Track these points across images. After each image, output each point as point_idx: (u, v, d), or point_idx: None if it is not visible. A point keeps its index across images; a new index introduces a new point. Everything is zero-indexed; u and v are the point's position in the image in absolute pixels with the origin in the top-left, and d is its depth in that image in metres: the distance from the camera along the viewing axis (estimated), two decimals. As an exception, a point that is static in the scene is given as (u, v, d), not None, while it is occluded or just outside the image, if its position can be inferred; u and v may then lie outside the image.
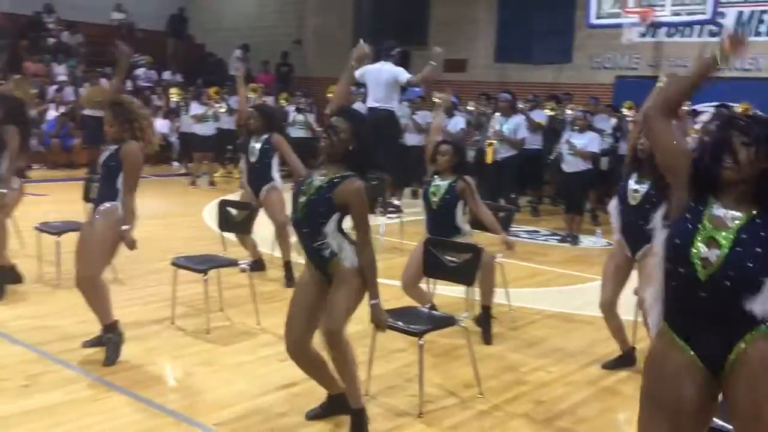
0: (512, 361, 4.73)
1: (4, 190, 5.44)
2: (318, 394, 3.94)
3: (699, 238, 2.28)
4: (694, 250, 2.27)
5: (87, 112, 13.86)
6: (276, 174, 6.36)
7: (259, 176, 6.30)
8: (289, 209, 3.98)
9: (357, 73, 8.22)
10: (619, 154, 9.93)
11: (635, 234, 4.26)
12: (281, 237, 6.35)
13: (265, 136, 6.29)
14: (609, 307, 4.53)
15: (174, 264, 5.09)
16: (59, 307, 5.37)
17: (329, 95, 14.02)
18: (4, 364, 4.25)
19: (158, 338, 4.76)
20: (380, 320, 3.47)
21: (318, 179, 3.40)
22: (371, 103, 8.30)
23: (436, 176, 5.08)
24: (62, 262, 5.87)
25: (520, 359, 4.78)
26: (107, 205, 4.28)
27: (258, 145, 6.28)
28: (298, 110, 13.27)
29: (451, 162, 4.99)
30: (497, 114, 9.90)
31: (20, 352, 4.47)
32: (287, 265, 6.32)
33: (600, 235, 9.24)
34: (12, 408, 3.69)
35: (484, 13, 16.02)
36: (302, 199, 3.39)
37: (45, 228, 6.08)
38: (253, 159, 6.30)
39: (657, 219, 2.56)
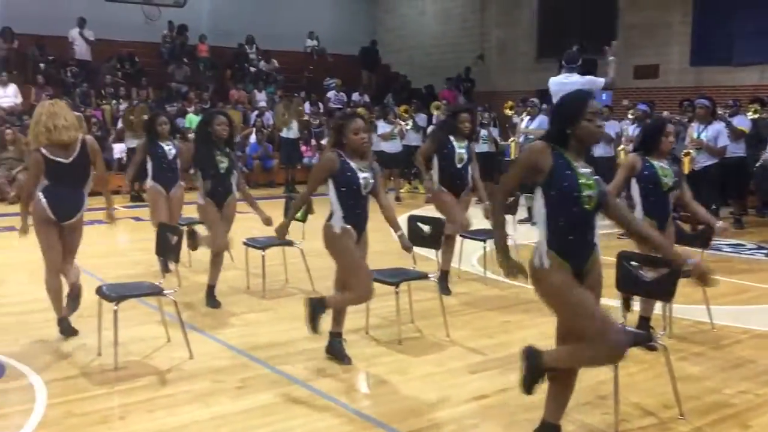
0: (716, 382, 4.46)
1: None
2: (510, 407, 3.97)
3: None
4: None
5: (283, 134, 14.85)
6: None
7: (465, 179, 6.34)
8: None
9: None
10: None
11: None
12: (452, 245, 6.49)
13: (467, 142, 6.35)
14: None
15: (368, 277, 5.31)
16: (265, 317, 5.82)
17: (506, 111, 14.02)
18: (221, 367, 4.68)
19: (354, 347, 4.99)
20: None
21: (585, 168, 3.33)
22: (558, 115, 8.16)
23: (652, 160, 4.94)
24: (267, 275, 6.35)
25: (724, 380, 4.48)
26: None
27: (464, 151, 6.30)
28: (482, 125, 13.32)
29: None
30: (694, 122, 9.36)
31: (233, 356, 4.89)
32: (446, 275, 6.50)
33: (815, 248, 8.44)
34: (230, 407, 4.05)
35: (678, 15, 15.27)
36: (589, 192, 3.23)
37: (252, 243, 6.58)
38: (459, 165, 6.27)
39: None
